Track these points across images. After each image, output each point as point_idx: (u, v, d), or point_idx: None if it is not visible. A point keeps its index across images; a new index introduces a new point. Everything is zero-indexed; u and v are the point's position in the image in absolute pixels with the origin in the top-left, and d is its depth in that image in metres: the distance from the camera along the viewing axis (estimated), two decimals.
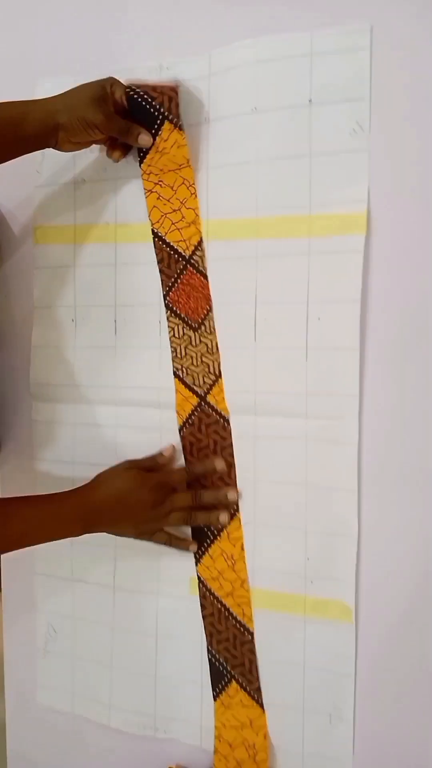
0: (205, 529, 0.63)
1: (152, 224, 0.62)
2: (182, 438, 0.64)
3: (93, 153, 0.65)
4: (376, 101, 0.55)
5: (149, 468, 0.62)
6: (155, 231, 0.62)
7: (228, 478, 0.62)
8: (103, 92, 0.56)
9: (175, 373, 0.63)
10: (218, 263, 0.61)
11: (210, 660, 0.63)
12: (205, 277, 0.61)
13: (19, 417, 0.71)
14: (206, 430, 0.62)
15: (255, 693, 0.62)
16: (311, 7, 0.57)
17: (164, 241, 0.62)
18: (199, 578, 0.63)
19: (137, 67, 0.63)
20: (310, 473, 0.59)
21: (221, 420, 0.62)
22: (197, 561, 0.63)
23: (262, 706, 0.62)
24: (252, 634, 0.62)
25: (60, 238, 0.68)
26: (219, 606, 0.63)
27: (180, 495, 0.61)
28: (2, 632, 0.75)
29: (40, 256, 0.69)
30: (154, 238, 0.63)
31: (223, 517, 0.61)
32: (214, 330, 0.61)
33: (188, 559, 0.64)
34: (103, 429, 0.67)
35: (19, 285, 0.71)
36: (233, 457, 0.62)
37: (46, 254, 0.69)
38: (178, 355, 0.63)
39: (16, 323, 0.71)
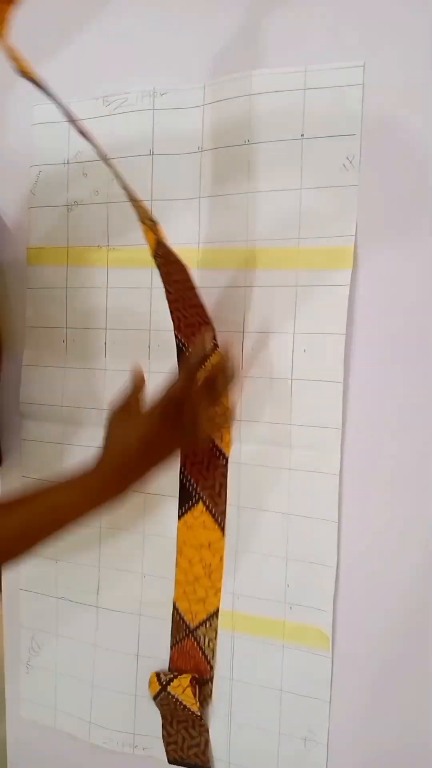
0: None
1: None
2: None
3: (85, 175, 0.66)
4: (366, 137, 0.56)
5: (136, 396, 0.57)
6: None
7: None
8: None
9: None
10: (207, 291, 0.62)
11: (180, 480, 0.64)
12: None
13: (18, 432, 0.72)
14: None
15: (220, 516, 0.63)
16: (306, 42, 0.57)
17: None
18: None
19: (131, 91, 0.64)
20: (292, 502, 0.60)
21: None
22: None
23: (222, 530, 0.63)
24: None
25: (53, 259, 0.69)
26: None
27: (193, 403, 0.55)
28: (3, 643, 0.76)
29: (33, 277, 0.70)
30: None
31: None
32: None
33: (169, 582, 0.65)
34: (90, 451, 0.67)
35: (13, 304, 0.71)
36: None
37: (39, 275, 0.69)
38: None
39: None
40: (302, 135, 0.57)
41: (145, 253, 0.64)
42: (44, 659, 0.72)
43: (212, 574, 0.63)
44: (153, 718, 0.67)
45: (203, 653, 0.64)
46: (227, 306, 0.61)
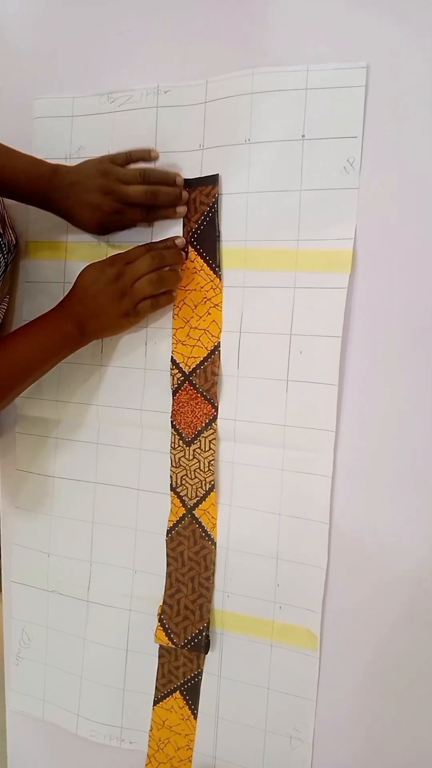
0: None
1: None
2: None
3: None
4: (367, 139, 0.56)
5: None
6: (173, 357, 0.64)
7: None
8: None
9: (172, 487, 0.65)
10: None
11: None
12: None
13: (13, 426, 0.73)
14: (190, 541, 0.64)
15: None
16: (309, 42, 0.57)
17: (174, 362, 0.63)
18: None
19: (136, 88, 0.63)
20: (284, 502, 0.60)
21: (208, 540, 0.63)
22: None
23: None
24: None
25: (51, 254, 0.68)
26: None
27: (137, 262, 0.60)
28: (2, 633, 0.77)
29: (31, 271, 0.70)
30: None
31: (180, 241, 0.62)
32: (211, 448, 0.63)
33: (160, 578, 0.65)
34: (84, 445, 0.68)
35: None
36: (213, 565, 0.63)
37: (37, 269, 0.69)
38: (173, 465, 0.64)
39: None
40: (303, 136, 0.57)
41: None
42: (34, 651, 0.72)
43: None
44: (140, 713, 0.68)
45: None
46: (225, 305, 0.61)
